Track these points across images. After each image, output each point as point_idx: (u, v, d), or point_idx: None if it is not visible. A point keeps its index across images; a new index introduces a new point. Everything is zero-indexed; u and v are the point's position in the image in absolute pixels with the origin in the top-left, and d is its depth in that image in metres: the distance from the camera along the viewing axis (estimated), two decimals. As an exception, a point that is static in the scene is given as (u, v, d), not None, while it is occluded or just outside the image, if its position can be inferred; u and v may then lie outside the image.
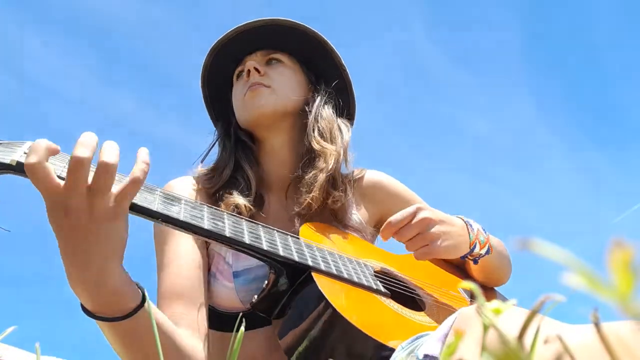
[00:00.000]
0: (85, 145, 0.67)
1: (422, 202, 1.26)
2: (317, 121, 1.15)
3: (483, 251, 1.10)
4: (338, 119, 1.21)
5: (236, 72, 1.23)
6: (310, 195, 1.07)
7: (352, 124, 1.28)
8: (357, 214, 1.18)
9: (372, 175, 1.25)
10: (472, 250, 1.08)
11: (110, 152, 0.68)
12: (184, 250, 1.01)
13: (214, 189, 1.11)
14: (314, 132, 1.14)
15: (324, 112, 1.17)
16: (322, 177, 1.09)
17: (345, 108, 1.26)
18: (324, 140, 1.14)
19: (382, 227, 1.00)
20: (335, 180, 1.12)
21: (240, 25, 1.18)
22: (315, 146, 1.12)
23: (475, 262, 1.12)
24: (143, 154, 0.72)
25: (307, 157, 1.14)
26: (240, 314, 0.72)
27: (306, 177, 1.10)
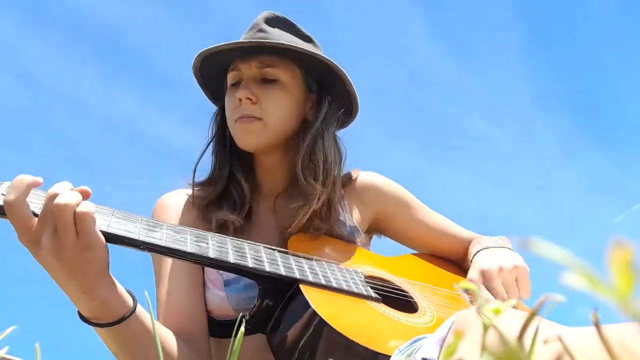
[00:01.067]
0: (59, 193, 0.72)
1: (416, 202, 1.25)
2: (311, 149, 1.10)
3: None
4: (335, 144, 1.14)
5: (230, 76, 1.14)
6: (290, 230, 1.06)
7: (352, 120, 1.23)
8: (350, 218, 1.16)
9: (365, 177, 1.22)
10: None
11: (76, 195, 0.73)
12: (180, 263, 1.02)
13: (206, 200, 1.10)
14: (301, 164, 1.08)
15: (319, 139, 1.11)
16: (302, 212, 1.06)
17: (347, 107, 1.19)
18: (313, 178, 1.08)
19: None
20: (321, 212, 1.10)
21: (234, 42, 1.08)
22: (303, 182, 1.07)
23: None
24: (81, 191, 0.76)
25: (297, 188, 1.09)
26: (240, 314, 0.72)
27: (289, 207, 1.08)
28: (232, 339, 0.41)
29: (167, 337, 0.90)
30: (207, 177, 1.14)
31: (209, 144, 1.17)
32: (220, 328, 1.01)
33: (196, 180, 1.13)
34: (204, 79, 1.20)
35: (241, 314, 0.76)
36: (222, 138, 1.16)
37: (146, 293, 0.56)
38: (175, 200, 1.12)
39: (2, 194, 0.72)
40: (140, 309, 0.81)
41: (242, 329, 0.43)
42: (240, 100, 1.06)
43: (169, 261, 1.02)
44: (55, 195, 0.72)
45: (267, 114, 1.07)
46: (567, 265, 0.20)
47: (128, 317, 0.78)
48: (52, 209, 0.71)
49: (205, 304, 1.02)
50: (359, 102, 1.18)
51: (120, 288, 0.79)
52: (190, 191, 1.13)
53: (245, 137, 1.07)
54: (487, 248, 1.13)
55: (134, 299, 0.81)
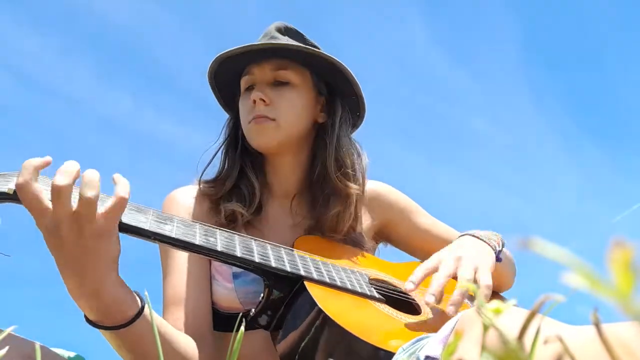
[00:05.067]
0: (64, 173, 0.69)
1: (421, 211, 1.27)
2: (337, 151, 1.14)
3: (500, 248, 1.04)
4: (354, 144, 1.19)
5: (243, 80, 1.17)
6: (337, 235, 1.12)
7: (361, 122, 1.27)
8: (359, 225, 1.18)
9: (371, 186, 1.24)
10: (497, 252, 1.02)
11: (90, 185, 0.70)
12: (188, 257, 1.03)
13: (217, 196, 1.12)
14: (333, 166, 1.12)
15: (342, 139, 1.15)
16: (346, 216, 1.12)
17: (355, 109, 1.23)
18: (347, 179, 1.13)
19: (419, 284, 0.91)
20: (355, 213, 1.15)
21: (249, 44, 1.11)
22: (339, 185, 1.12)
23: (500, 260, 1.04)
24: (121, 178, 0.75)
25: (328, 192, 1.13)
26: (240, 314, 0.72)
27: (329, 214, 1.11)
28: (233, 334, 0.41)
29: (177, 337, 0.89)
30: (216, 175, 1.16)
31: (221, 146, 1.20)
32: (224, 321, 1.02)
33: (205, 177, 1.16)
34: (218, 87, 1.24)
35: (241, 313, 0.76)
36: (234, 140, 1.19)
37: (146, 293, 0.56)
38: (186, 194, 1.14)
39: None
40: (147, 310, 0.79)
41: (242, 329, 0.43)
42: (254, 101, 1.10)
43: (176, 255, 1.03)
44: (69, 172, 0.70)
45: (280, 115, 1.11)
46: (567, 265, 0.20)
47: (135, 319, 0.76)
48: (61, 192, 0.68)
49: (212, 296, 1.03)
50: (365, 104, 1.22)
51: (127, 289, 0.78)
52: (199, 188, 1.15)
53: (259, 137, 1.11)
54: (469, 235, 1.04)
55: (141, 299, 0.79)
